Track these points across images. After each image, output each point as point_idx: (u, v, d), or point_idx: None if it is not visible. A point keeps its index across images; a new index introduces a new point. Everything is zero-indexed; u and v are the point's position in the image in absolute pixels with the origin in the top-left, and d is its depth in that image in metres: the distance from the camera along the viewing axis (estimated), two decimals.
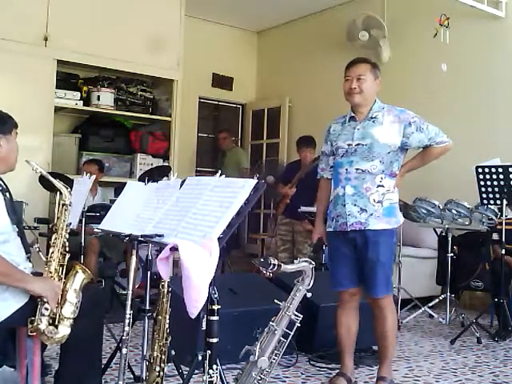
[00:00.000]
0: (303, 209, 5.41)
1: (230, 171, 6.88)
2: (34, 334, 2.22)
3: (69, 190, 2.47)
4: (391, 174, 3.04)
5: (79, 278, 2.34)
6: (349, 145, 3.05)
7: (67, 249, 2.39)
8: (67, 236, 2.41)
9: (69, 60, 5.53)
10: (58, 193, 4.06)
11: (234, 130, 8.42)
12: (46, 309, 2.22)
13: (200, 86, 7.74)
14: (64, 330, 2.24)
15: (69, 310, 2.26)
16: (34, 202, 4.70)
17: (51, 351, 3.41)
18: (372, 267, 2.97)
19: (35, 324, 2.21)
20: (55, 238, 2.38)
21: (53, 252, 2.36)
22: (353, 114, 3.12)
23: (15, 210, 2.43)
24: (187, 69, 6.30)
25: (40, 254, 2.37)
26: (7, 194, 2.38)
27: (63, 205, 2.43)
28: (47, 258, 2.35)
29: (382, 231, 2.99)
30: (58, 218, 2.43)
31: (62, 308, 2.25)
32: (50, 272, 2.32)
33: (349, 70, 3.11)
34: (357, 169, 3.00)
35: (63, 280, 2.32)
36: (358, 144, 3.03)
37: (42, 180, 4.25)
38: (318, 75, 7.30)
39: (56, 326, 2.23)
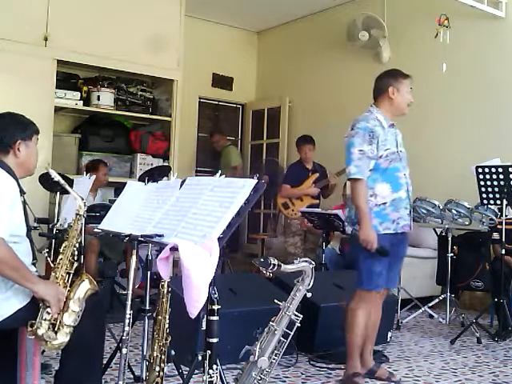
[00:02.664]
0: (302, 209, 5.45)
1: (224, 171, 6.88)
2: (33, 337, 2.22)
3: (84, 201, 2.51)
4: None
5: (84, 287, 2.34)
6: (396, 151, 3.20)
7: (76, 257, 2.42)
8: (77, 245, 2.44)
9: (69, 60, 5.53)
10: (58, 193, 4.08)
11: (234, 130, 8.42)
12: (48, 313, 2.22)
13: (200, 86, 7.74)
14: (63, 337, 2.24)
15: (70, 318, 2.26)
16: (33, 202, 4.68)
17: (51, 351, 3.41)
18: (401, 262, 3.35)
19: (35, 327, 2.20)
20: (65, 246, 2.41)
21: (61, 259, 2.38)
22: (391, 122, 3.25)
23: (27, 214, 2.45)
24: (187, 69, 6.30)
25: (48, 259, 2.40)
26: (24, 197, 2.40)
27: (77, 215, 2.46)
28: (55, 264, 2.37)
29: None
30: (70, 226, 2.47)
31: (63, 315, 2.25)
32: (56, 278, 2.33)
33: (410, 82, 3.28)
34: (408, 174, 3.24)
35: (68, 288, 2.33)
36: (400, 151, 3.24)
37: (42, 180, 4.25)
38: (318, 75, 7.30)
39: (56, 332, 2.23)
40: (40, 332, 2.21)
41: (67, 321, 2.25)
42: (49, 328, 2.22)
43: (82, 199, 2.50)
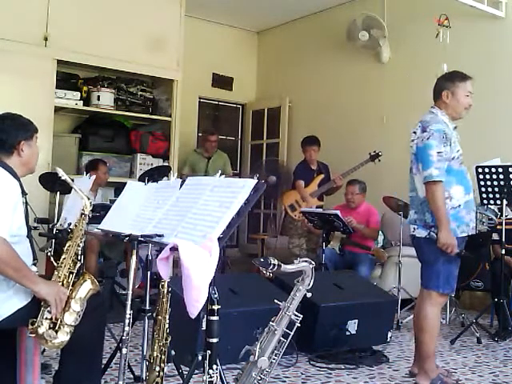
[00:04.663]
0: (302, 209, 5.46)
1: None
2: (33, 335, 2.23)
3: (90, 200, 2.52)
4: None
5: (86, 287, 2.35)
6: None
7: (79, 257, 2.42)
8: (81, 245, 2.45)
9: (69, 60, 5.53)
10: (58, 193, 4.07)
11: (234, 130, 8.42)
12: (49, 312, 2.23)
13: (200, 86, 7.74)
14: (63, 336, 2.25)
15: (71, 318, 2.27)
16: (33, 202, 4.68)
17: (51, 351, 3.41)
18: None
19: (35, 326, 2.21)
20: (69, 246, 2.41)
21: (64, 258, 2.39)
22: (455, 124, 3.25)
23: (28, 214, 2.46)
24: (187, 69, 6.30)
25: (52, 258, 2.40)
26: (26, 198, 2.41)
27: (82, 214, 2.47)
28: (58, 264, 2.37)
29: None
30: (75, 225, 2.47)
31: (64, 314, 2.26)
32: (59, 277, 2.34)
33: (470, 85, 3.23)
34: None
35: (70, 287, 2.34)
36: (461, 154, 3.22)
37: (42, 180, 4.25)
38: (318, 75, 7.30)
39: (56, 331, 2.23)
40: (40, 331, 2.21)
41: (68, 320, 2.26)
42: (49, 327, 2.22)
43: (88, 199, 2.51)
